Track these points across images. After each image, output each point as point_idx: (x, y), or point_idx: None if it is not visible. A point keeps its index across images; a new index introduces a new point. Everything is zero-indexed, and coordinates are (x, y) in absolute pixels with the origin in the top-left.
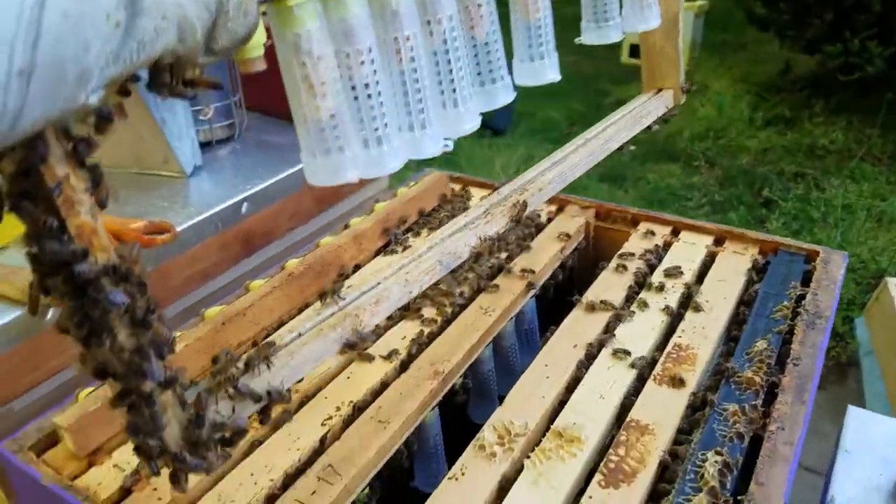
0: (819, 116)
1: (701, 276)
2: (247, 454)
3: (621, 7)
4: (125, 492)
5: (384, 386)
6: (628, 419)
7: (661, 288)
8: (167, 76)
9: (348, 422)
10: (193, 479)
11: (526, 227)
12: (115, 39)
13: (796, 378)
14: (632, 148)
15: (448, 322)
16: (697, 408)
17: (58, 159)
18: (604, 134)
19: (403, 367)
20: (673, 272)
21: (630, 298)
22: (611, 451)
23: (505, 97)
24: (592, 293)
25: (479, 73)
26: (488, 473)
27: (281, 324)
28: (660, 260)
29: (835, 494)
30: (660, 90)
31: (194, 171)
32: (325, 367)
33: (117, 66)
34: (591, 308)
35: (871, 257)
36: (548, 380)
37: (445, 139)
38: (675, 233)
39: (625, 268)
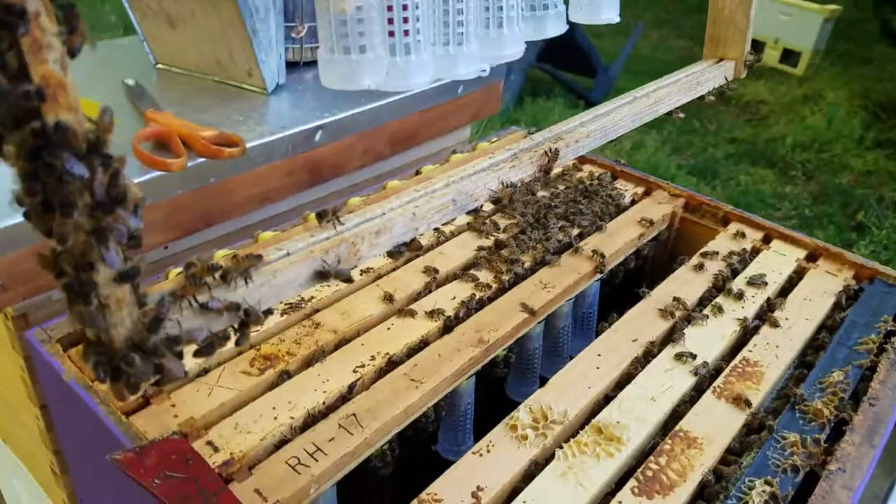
0: None
1: (785, 291)
2: (273, 386)
3: None
4: (144, 402)
5: (423, 344)
6: (677, 428)
7: (740, 295)
8: None
9: (380, 373)
10: (206, 404)
11: (605, 205)
12: None
13: (870, 419)
14: (681, 115)
15: (503, 291)
16: (754, 430)
17: None
18: (655, 94)
19: (447, 328)
20: (756, 281)
21: (704, 301)
22: (651, 458)
23: (556, 27)
24: (665, 288)
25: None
26: (515, 455)
27: None
28: (745, 265)
29: None
30: (721, 59)
31: (276, 89)
32: (366, 313)
33: None
34: (661, 304)
35: None
36: (598, 370)
37: (483, 65)
38: (767, 240)
39: (705, 267)
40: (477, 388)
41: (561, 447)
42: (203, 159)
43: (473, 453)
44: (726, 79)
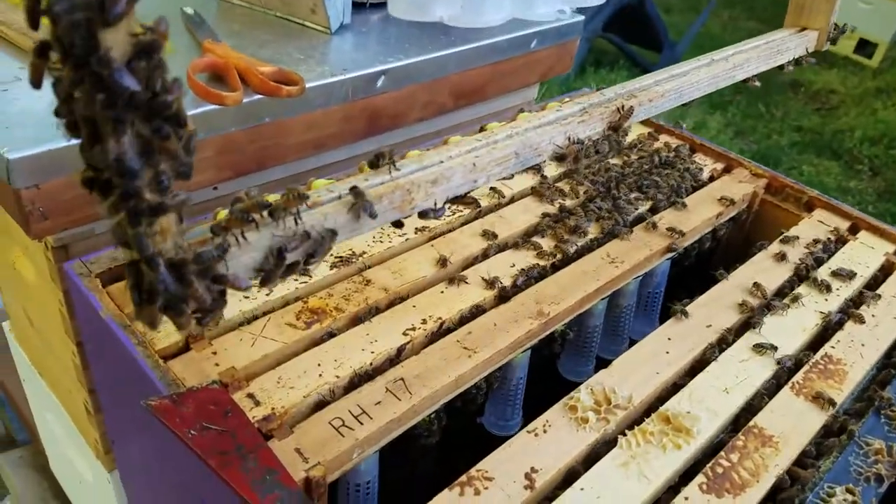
0: None
1: (872, 286)
2: (319, 341)
3: None
4: (184, 347)
5: (478, 312)
6: (751, 424)
7: (823, 287)
8: None
9: (432, 339)
10: (249, 354)
11: (681, 179)
12: None
13: None
14: (756, 84)
15: (566, 262)
16: (834, 433)
17: None
18: (733, 58)
19: (504, 297)
20: (841, 273)
21: (785, 290)
22: (722, 453)
23: None
24: (743, 273)
25: None
26: (574, 438)
27: None
28: (829, 255)
29: None
30: (804, 29)
31: (340, 28)
32: (419, 274)
33: None
34: (739, 290)
35: None
36: (668, 355)
37: (561, 9)
38: (854, 230)
39: (786, 255)
40: (530, 363)
41: (624, 434)
42: (259, 96)
43: (528, 432)
44: (807, 50)
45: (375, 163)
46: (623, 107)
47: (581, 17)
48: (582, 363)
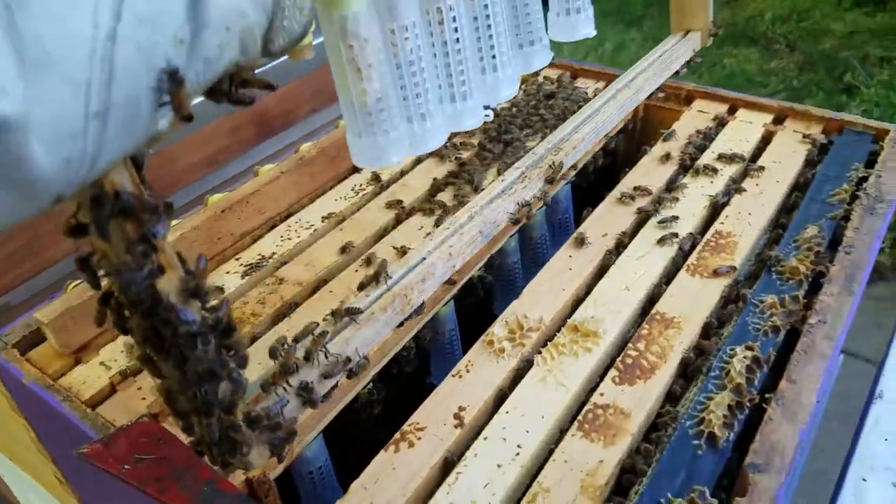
0: None
1: (755, 158)
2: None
3: None
4: (110, 391)
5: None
6: (653, 312)
7: (709, 171)
8: (226, 84)
9: None
10: None
11: (566, 106)
12: (181, 59)
13: (847, 267)
14: (661, 95)
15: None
16: (732, 300)
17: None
18: (634, 83)
19: None
20: (724, 153)
21: (673, 183)
22: (629, 345)
23: (542, 59)
24: (632, 178)
25: (517, 36)
26: (495, 370)
27: (289, 214)
28: (710, 140)
29: (883, 389)
30: (688, 32)
31: None
32: (331, 260)
33: (186, 90)
34: (627, 195)
35: None
36: (570, 271)
37: (486, 110)
38: (732, 111)
39: (669, 151)
40: (464, 313)
41: (539, 353)
42: None
43: (453, 376)
44: (694, 50)
45: (373, 279)
46: (554, 162)
47: None
48: (512, 299)
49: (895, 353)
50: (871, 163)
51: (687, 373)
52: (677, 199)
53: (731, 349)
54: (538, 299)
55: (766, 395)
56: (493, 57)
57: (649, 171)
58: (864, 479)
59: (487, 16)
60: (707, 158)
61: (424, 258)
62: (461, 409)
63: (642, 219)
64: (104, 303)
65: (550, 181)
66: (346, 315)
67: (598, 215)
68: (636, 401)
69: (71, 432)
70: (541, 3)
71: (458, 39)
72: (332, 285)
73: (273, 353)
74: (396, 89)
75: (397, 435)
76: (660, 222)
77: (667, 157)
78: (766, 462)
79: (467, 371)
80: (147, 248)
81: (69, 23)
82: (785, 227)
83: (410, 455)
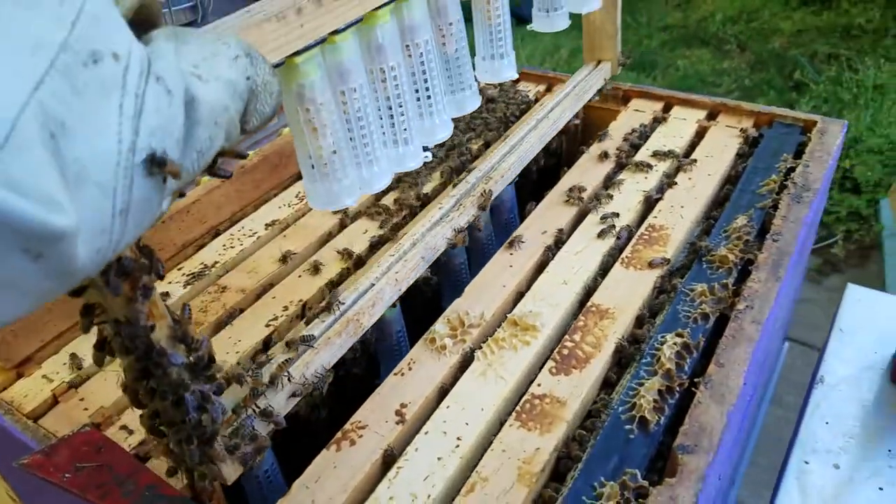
0: None
1: (688, 154)
2: None
3: None
4: (52, 403)
5: (339, 282)
6: (588, 304)
7: (642, 167)
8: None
9: (296, 322)
10: (115, 391)
11: (508, 109)
12: (179, 154)
13: (773, 254)
14: (577, 121)
15: (413, 214)
16: (665, 290)
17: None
18: (552, 115)
19: (359, 263)
20: (658, 150)
21: (609, 180)
22: (566, 337)
23: (473, 103)
24: (569, 178)
25: (450, 84)
26: (436, 366)
27: (232, 223)
28: (645, 138)
29: (824, 374)
30: (599, 62)
31: None
32: (274, 267)
33: (184, 180)
34: (565, 194)
35: None
36: (511, 268)
37: (424, 151)
38: (668, 108)
39: (606, 150)
40: (413, 313)
41: (480, 348)
42: None
43: (395, 374)
44: (605, 79)
45: (325, 308)
46: (485, 190)
47: None
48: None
49: (835, 340)
50: (799, 153)
51: (621, 361)
52: (612, 196)
53: (662, 336)
54: (480, 296)
55: (696, 380)
56: (430, 105)
57: (587, 170)
58: (807, 462)
59: (424, 71)
60: (642, 155)
61: (373, 284)
62: (403, 405)
63: (580, 215)
64: (101, 349)
65: (483, 208)
66: (301, 343)
67: (538, 214)
68: (572, 389)
69: (14, 445)
70: (469, 56)
71: (398, 94)
72: (276, 291)
73: (239, 379)
74: (347, 141)
75: (339, 434)
76: (601, 218)
77: (604, 155)
78: (694, 443)
79: (409, 369)
80: (143, 303)
81: (100, 143)
82: (716, 218)
83: (352, 452)
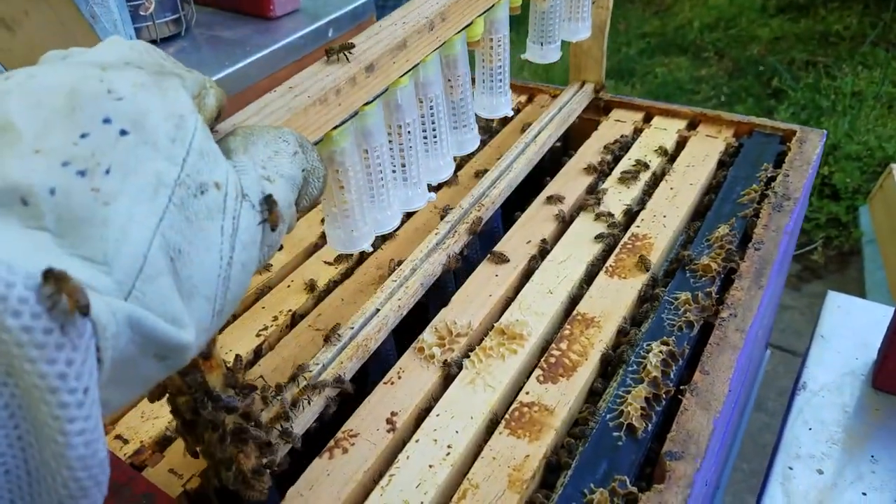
0: (834, 1)
1: (669, 163)
2: None
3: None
4: None
5: (329, 291)
6: (574, 313)
7: (624, 178)
8: None
9: (285, 331)
10: None
11: (490, 121)
12: (257, 255)
13: (756, 263)
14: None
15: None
16: (649, 299)
17: None
18: (538, 139)
19: (348, 273)
20: (640, 160)
21: (592, 190)
22: (553, 345)
23: (473, 144)
24: (553, 187)
25: (453, 124)
26: (425, 375)
27: None
28: (627, 149)
29: (807, 381)
30: (583, 83)
31: None
32: (263, 276)
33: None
34: (548, 204)
35: (879, 145)
36: (497, 277)
37: (429, 192)
38: (648, 119)
39: (589, 160)
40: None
41: (468, 356)
42: None
43: (384, 383)
44: (589, 100)
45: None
46: (477, 218)
47: None
48: None
49: (816, 346)
50: (779, 163)
51: (607, 369)
52: (594, 205)
53: (648, 344)
54: (467, 305)
55: (682, 387)
56: (436, 147)
57: (569, 181)
58: (791, 468)
59: (433, 118)
60: (623, 165)
61: (378, 309)
62: (393, 414)
63: (563, 226)
64: (173, 404)
65: (473, 233)
66: (333, 384)
67: (521, 223)
68: (560, 397)
69: None
70: (471, 100)
71: (412, 144)
72: (266, 301)
73: (265, 401)
74: (367, 192)
75: (331, 442)
76: (598, 215)
77: (586, 166)
78: (682, 450)
79: (399, 378)
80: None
81: (207, 262)
82: (699, 227)
83: (344, 460)
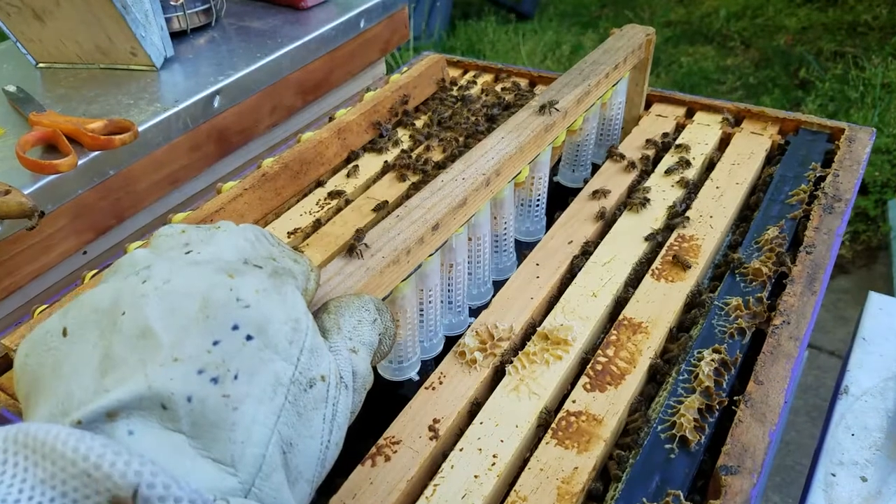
0: None
1: (713, 161)
2: None
3: None
4: None
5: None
6: (620, 318)
7: (668, 174)
8: None
9: None
10: None
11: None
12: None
13: (808, 267)
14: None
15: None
16: (698, 304)
17: None
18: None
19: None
20: (683, 157)
21: (634, 188)
22: (599, 352)
23: (512, 270)
24: (594, 184)
25: (495, 250)
26: (467, 381)
27: None
28: (669, 146)
29: (849, 384)
30: None
31: (165, 63)
32: None
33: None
34: (593, 199)
35: None
36: (538, 279)
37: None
38: (690, 114)
39: (630, 156)
40: None
41: (511, 362)
42: (96, 153)
43: (426, 388)
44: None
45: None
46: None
47: None
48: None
49: (859, 349)
50: (827, 162)
51: (656, 377)
52: (639, 204)
53: (699, 352)
54: (508, 309)
55: (735, 398)
56: (479, 277)
57: (611, 177)
58: (833, 475)
59: (479, 253)
60: (668, 162)
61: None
62: (436, 421)
63: (606, 225)
64: None
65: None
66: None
67: (562, 223)
68: (608, 406)
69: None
70: (513, 228)
71: (460, 280)
72: None
73: None
74: (418, 326)
75: (373, 449)
76: (642, 215)
77: (627, 162)
78: (738, 464)
79: (440, 383)
80: None
81: (311, 449)
82: (746, 228)
83: (387, 468)
